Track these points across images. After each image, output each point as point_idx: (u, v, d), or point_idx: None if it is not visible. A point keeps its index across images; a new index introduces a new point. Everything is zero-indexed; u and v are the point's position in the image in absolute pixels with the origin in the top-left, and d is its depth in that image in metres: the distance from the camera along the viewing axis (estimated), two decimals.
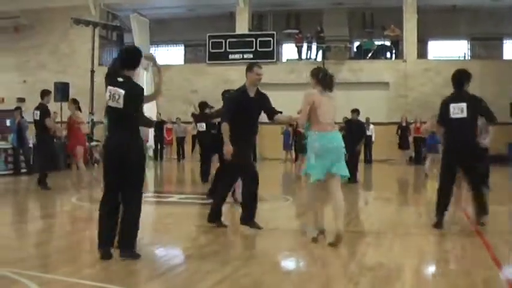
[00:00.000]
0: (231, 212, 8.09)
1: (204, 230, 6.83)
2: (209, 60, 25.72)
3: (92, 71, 20.56)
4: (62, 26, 24.99)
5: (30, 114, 12.41)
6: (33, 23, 26.53)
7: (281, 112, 6.92)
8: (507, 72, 22.34)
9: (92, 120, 19.80)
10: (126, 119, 5.14)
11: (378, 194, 12.53)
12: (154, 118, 21.03)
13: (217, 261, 5.18)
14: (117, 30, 24.81)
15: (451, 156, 6.99)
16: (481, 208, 6.93)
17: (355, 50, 25.82)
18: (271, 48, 25.05)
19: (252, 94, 6.71)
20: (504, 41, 25.22)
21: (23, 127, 14.73)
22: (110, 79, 5.25)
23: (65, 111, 15.97)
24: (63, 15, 24.02)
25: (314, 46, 25.27)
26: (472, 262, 5.38)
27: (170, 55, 28.35)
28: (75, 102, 11.91)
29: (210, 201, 8.31)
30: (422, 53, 25.06)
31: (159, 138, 23.17)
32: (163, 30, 27.14)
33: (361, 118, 15.21)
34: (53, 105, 13.88)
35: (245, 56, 24.74)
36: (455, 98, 6.92)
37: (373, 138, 21.75)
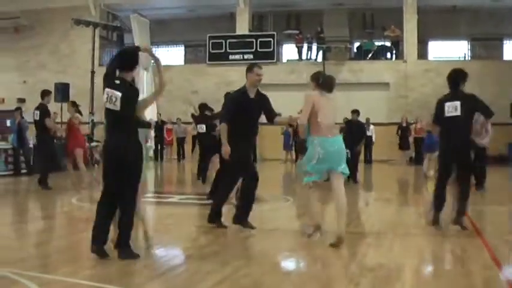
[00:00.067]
0: (231, 212, 8.08)
1: (204, 231, 6.83)
2: (209, 60, 25.72)
3: (92, 72, 20.56)
4: (62, 26, 25.00)
5: (30, 114, 12.43)
6: (33, 24, 26.55)
7: (280, 114, 6.92)
8: (507, 73, 22.35)
9: (92, 120, 19.80)
10: (123, 121, 5.15)
11: (378, 195, 12.52)
12: (155, 119, 21.08)
13: (218, 262, 5.18)
14: (117, 30, 24.83)
15: (446, 155, 7.02)
16: (463, 208, 6.90)
17: (355, 50, 25.82)
18: (271, 49, 25.06)
19: (252, 95, 6.70)
20: (504, 42, 25.24)
21: (23, 127, 14.73)
22: (108, 81, 5.25)
23: (65, 112, 15.97)
24: (63, 16, 24.05)
25: (314, 47, 25.28)
26: (472, 262, 5.37)
27: (170, 56, 28.35)
28: (73, 104, 11.97)
29: (211, 202, 8.34)
30: (422, 53, 25.08)
31: (159, 138, 23.18)
32: (163, 30, 27.16)
33: (362, 118, 15.21)
34: (53, 106, 13.91)
35: (245, 56, 24.76)
36: (450, 97, 6.96)
37: (373, 139, 21.76)
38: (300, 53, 25.74)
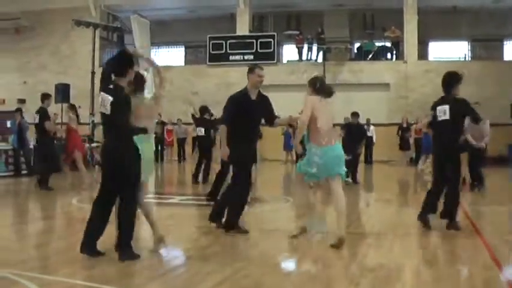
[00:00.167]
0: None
1: (204, 232, 6.83)
2: (210, 61, 25.74)
3: (93, 72, 20.58)
4: (63, 27, 25.03)
5: (30, 115, 12.48)
6: (33, 25, 26.57)
7: (278, 116, 6.91)
8: (507, 73, 22.35)
9: (93, 121, 19.82)
10: (115, 125, 5.19)
11: (379, 195, 12.52)
12: (155, 119, 21.06)
13: (218, 263, 5.19)
14: (117, 31, 24.85)
15: (438, 157, 7.14)
16: (455, 209, 6.97)
17: (355, 51, 25.83)
18: (271, 50, 25.07)
19: (253, 96, 6.67)
20: (505, 42, 25.25)
21: (23, 128, 14.73)
22: (103, 84, 5.30)
23: (65, 113, 15.99)
24: (64, 17, 24.07)
25: (315, 47, 25.30)
26: (472, 262, 5.38)
27: (171, 56, 28.41)
28: (72, 108, 12.18)
29: (211, 203, 8.34)
30: (422, 54, 25.08)
31: (159, 139, 23.17)
32: (163, 31, 27.17)
33: (362, 119, 15.20)
34: (53, 107, 13.92)
35: (246, 57, 24.77)
36: (441, 101, 7.04)
37: (373, 139, 21.76)
38: (300, 53, 25.75)
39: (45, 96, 11.82)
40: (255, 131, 6.92)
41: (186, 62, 28.05)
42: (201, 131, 13.34)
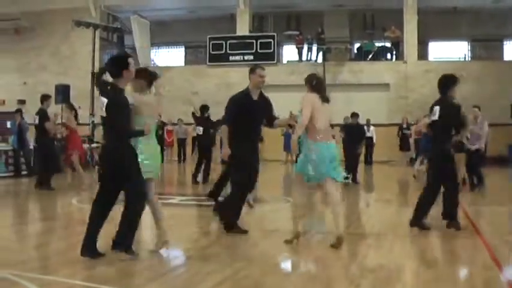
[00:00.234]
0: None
1: (205, 232, 6.84)
2: (210, 61, 25.74)
3: (93, 73, 20.51)
4: (63, 27, 25.01)
5: (30, 116, 12.49)
6: (33, 25, 26.55)
7: (278, 118, 6.91)
8: (507, 73, 22.34)
9: (93, 122, 19.81)
10: (112, 126, 5.19)
11: (379, 196, 12.52)
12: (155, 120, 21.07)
13: (218, 263, 5.19)
14: (117, 32, 24.84)
15: (433, 158, 7.21)
16: (455, 210, 6.97)
17: (355, 51, 25.84)
18: (271, 50, 25.08)
19: (255, 97, 6.66)
20: (504, 42, 25.26)
21: (23, 129, 14.74)
22: (99, 88, 5.31)
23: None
24: (64, 17, 24.06)
25: (314, 47, 25.30)
26: (472, 263, 5.38)
27: (171, 57, 28.41)
28: (70, 107, 12.19)
29: (210, 203, 8.35)
30: (422, 54, 25.09)
31: (159, 139, 23.11)
32: (163, 31, 27.17)
33: (362, 119, 15.18)
34: (53, 107, 13.92)
35: (245, 57, 24.77)
36: (435, 102, 7.08)
37: (374, 140, 21.76)
38: (300, 54, 25.75)
39: (44, 98, 11.83)
40: (256, 132, 6.92)
41: (186, 62, 28.05)
42: (200, 130, 13.35)
